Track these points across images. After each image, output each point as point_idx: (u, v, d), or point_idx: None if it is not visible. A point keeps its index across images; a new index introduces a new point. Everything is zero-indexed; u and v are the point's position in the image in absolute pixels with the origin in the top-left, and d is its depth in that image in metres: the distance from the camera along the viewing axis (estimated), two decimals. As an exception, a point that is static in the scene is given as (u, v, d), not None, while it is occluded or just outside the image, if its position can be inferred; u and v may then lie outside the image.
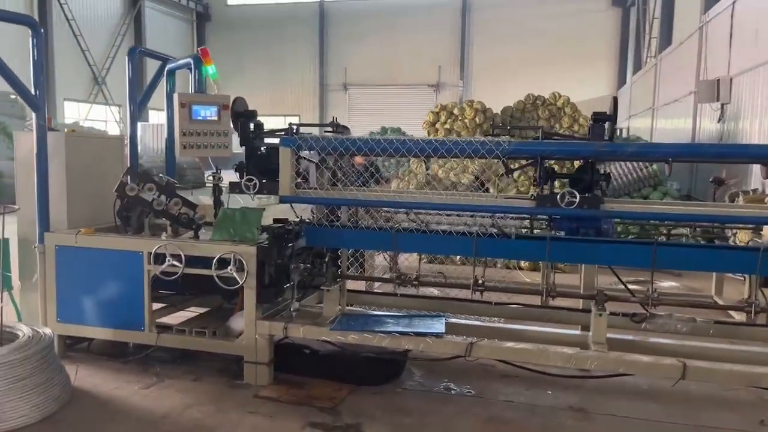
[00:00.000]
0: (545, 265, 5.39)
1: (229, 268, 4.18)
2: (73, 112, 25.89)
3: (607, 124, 4.07)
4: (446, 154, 4.10)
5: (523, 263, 8.41)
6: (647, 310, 4.30)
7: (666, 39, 18.83)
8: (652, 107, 19.17)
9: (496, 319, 5.04)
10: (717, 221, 3.99)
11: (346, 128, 6.97)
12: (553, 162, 7.39)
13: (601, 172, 4.23)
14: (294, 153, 4.39)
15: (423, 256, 8.45)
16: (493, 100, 13.41)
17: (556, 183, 4.38)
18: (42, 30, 4.52)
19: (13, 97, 18.25)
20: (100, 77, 26.60)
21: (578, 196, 3.90)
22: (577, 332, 4.13)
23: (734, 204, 4.37)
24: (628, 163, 11.05)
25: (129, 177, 4.28)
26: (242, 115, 4.67)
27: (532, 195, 4.28)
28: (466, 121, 11.96)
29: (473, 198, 4.22)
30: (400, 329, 4.08)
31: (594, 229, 4.12)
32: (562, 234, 4.21)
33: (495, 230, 4.15)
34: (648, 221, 4.49)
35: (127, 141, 5.53)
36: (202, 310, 5.17)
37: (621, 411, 4.01)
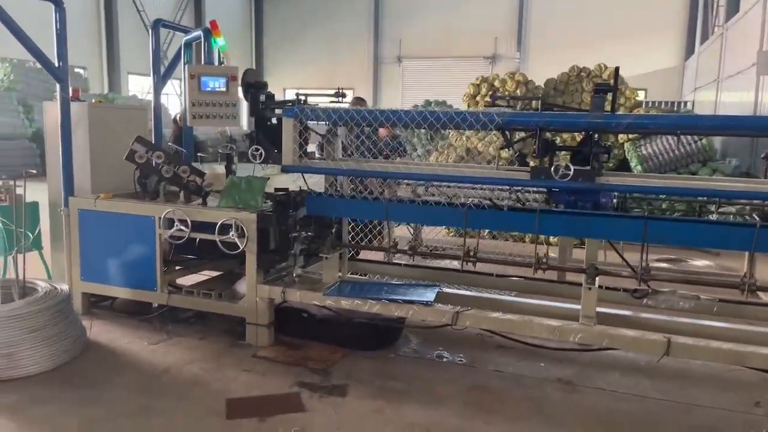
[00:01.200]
0: (561, 240, 5.36)
1: (231, 233, 4.37)
2: (137, 86, 26.89)
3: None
4: (440, 127, 4.11)
5: (552, 239, 8.32)
6: (648, 286, 4.24)
7: (734, 7, 17.76)
8: (717, 80, 18.20)
9: (506, 292, 5.08)
10: (715, 196, 3.84)
11: (362, 100, 7.06)
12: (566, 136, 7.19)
13: (603, 145, 4.16)
14: (298, 123, 4.51)
15: (452, 229, 8.59)
16: (552, 72, 13.01)
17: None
18: (64, 5, 4.76)
19: (77, 70, 19.21)
20: (163, 51, 27.41)
21: (572, 168, 3.84)
22: (574, 306, 4.09)
23: (747, 179, 4.15)
24: (674, 137, 10.63)
25: (138, 144, 4.49)
26: (252, 86, 4.81)
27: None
28: (507, 93, 11.75)
29: (467, 169, 4.22)
30: (390, 297, 4.18)
31: (591, 203, 4.06)
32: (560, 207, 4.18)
33: (487, 201, 4.14)
34: (647, 195, 4.36)
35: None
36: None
37: (611, 385, 3.98)
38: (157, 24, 5.73)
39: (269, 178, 4.71)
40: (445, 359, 4.36)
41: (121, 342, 4.52)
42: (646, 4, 26.68)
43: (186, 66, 4.84)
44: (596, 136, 4.03)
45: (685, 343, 3.50)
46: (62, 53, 4.81)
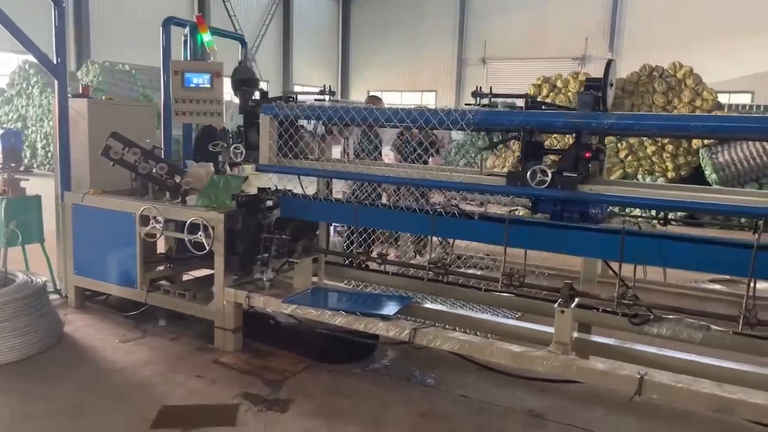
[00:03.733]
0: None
1: (198, 233, 4.25)
2: (227, 87, 27.99)
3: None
4: (411, 123, 3.78)
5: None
6: (650, 311, 3.69)
7: None
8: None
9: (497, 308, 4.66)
10: (709, 211, 3.21)
11: (377, 98, 6.76)
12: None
13: (593, 148, 3.66)
14: (273, 120, 4.32)
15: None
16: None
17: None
18: (63, 4, 4.84)
19: (163, 73, 20.20)
20: (251, 55, 28.37)
21: (550, 174, 3.39)
22: (551, 329, 3.61)
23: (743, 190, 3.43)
24: (756, 145, 9.53)
25: (114, 140, 4.48)
26: (244, 83, 4.68)
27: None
28: (570, 94, 11.07)
29: (440, 174, 3.83)
30: (349, 308, 3.88)
31: (578, 214, 3.57)
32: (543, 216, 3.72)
33: (456, 209, 3.75)
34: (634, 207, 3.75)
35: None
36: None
37: (587, 423, 3.47)
38: (168, 21, 5.73)
39: (247, 177, 4.56)
40: (413, 379, 4.01)
41: (94, 338, 4.52)
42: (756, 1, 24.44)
43: (171, 62, 4.77)
44: (588, 139, 3.59)
45: (660, 382, 2.96)
46: (60, 50, 4.90)
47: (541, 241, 3.47)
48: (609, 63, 3.63)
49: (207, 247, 4.22)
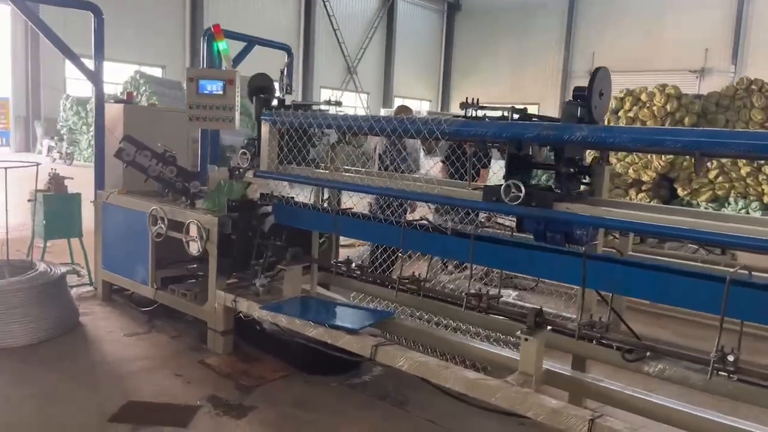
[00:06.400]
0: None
1: (194, 235, 4.36)
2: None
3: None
4: (391, 132, 3.65)
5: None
6: (648, 348, 3.30)
7: None
8: None
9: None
10: (686, 237, 2.75)
11: (407, 109, 6.61)
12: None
13: (578, 163, 3.36)
14: (273, 128, 4.36)
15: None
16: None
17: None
18: (102, 15, 5.17)
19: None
20: (353, 67, 29.10)
21: (524, 190, 3.13)
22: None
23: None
24: None
25: (127, 143, 4.69)
26: (260, 91, 4.76)
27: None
28: (655, 108, 10.28)
29: (417, 186, 3.62)
30: (323, 319, 3.80)
31: (562, 234, 3.26)
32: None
33: (428, 224, 3.55)
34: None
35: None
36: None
37: (554, 465, 3.15)
38: (206, 33, 5.98)
39: (250, 183, 4.61)
40: (386, 399, 3.84)
41: (104, 330, 4.75)
42: None
43: (186, 69, 4.94)
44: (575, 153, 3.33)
45: (610, 427, 2.62)
46: (99, 58, 5.24)
47: (507, 261, 3.22)
48: (596, 71, 3.35)
49: (200, 248, 4.31)
